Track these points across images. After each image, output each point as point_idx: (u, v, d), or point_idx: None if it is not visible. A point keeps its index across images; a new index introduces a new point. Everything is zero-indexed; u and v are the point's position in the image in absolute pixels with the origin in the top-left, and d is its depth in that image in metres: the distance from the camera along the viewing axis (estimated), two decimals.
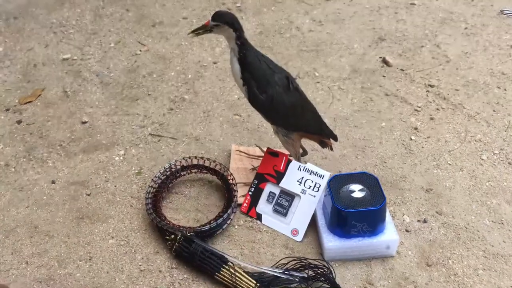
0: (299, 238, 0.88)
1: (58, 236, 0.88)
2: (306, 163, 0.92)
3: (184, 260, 0.83)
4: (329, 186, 0.85)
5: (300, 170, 0.91)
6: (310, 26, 1.48)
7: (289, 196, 0.91)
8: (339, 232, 0.83)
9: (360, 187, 0.84)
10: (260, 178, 0.93)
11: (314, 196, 0.89)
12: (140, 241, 0.87)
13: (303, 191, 0.90)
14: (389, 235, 0.84)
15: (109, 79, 1.28)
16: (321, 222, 0.87)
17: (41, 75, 1.30)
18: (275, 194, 0.92)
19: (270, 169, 0.93)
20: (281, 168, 0.92)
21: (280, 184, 0.92)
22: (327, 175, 0.90)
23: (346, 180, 0.86)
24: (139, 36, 1.44)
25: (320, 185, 0.89)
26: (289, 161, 0.93)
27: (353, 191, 0.84)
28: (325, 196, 0.88)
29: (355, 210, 0.81)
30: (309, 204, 0.89)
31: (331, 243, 0.83)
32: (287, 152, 0.95)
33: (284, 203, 0.91)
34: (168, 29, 1.47)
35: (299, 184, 0.90)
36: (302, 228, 0.88)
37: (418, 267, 0.83)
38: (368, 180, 0.86)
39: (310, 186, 0.90)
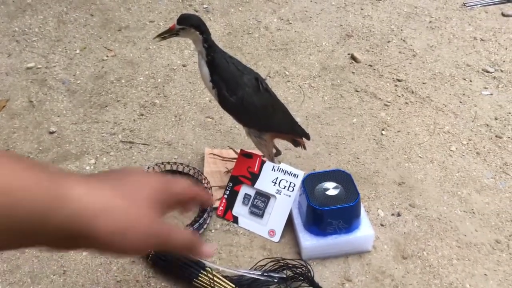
0: (276, 238, 0.88)
1: (30, 251, 0.86)
2: (280, 163, 0.92)
3: (161, 269, 0.82)
4: (303, 185, 0.85)
5: (274, 171, 0.91)
6: (278, 25, 1.48)
7: (265, 197, 0.91)
8: (316, 230, 0.84)
9: (334, 184, 0.85)
10: (235, 181, 0.93)
11: (290, 196, 0.89)
12: None
13: (278, 191, 0.90)
14: (365, 230, 0.84)
15: (76, 86, 1.25)
16: (297, 221, 0.87)
17: (5, 86, 1.26)
18: (251, 196, 0.92)
19: (244, 171, 0.93)
20: (255, 169, 0.92)
21: (255, 186, 0.91)
22: (301, 174, 0.90)
23: (320, 178, 0.86)
24: (105, 41, 1.41)
25: (294, 185, 0.89)
26: (263, 162, 0.92)
27: (328, 189, 0.84)
28: (300, 195, 0.88)
29: (330, 208, 0.81)
30: (284, 204, 0.89)
31: (308, 241, 0.83)
32: (260, 153, 0.95)
33: (260, 204, 0.91)
34: (134, 33, 1.44)
35: (274, 185, 0.90)
36: (279, 228, 0.88)
37: (394, 260, 0.85)
38: (342, 177, 0.86)
39: (285, 186, 0.90)
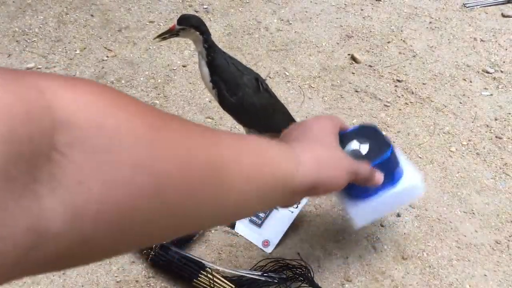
0: (269, 249, 0.87)
1: None
2: None
3: (161, 269, 0.82)
4: None
5: None
6: (278, 26, 1.48)
7: None
8: (360, 194, 0.73)
9: (362, 141, 0.73)
10: None
11: (292, 212, 0.89)
12: None
13: None
14: (410, 177, 0.74)
15: None
16: (336, 195, 0.77)
17: None
18: None
19: None
20: None
21: None
22: None
23: (344, 139, 0.72)
24: (105, 41, 1.41)
25: (299, 203, 0.88)
26: None
27: (357, 148, 0.72)
28: None
29: None
30: (286, 218, 0.88)
31: (357, 207, 0.73)
32: None
33: (261, 214, 0.90)
34: (134, 34, 1.44)
35: None
36: (274, 240, 0.87)
37: (394, 261, 0.85)
38: (367, 132, 0.74)
39: None
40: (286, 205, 0.50)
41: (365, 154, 0.71)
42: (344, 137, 0.72)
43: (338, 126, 0.65)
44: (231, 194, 0.36)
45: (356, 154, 0.71)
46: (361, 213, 0.74)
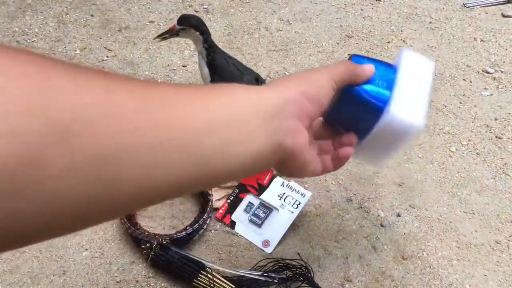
0: (269, 250, 0.87)
1: (30, 251, 0.86)
2: (290, 181, 0.93)
3: (161, 269, 0.82)
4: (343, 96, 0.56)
5: (283, 186, 0.92)
6: (278, 26, 1.48)
7: (267, 209, 0.91)
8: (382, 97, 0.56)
9: None
10: (242, 188, 0.93)
11: (292, 212, 0.89)
12: (115, 252, 0.86)
13: (282, 206, 0.90)
14: (405, 56, 0.61)
15: None
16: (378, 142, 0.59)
17: None
18: (254, 205, 0.92)
19: (253, 181, 0.93)
20: (265, 182, 0.93)
21: (261, 196, 0.92)
22: (309, 194, 0.91)
23: None
24: (105, 41, 1.41)
25: (300, 203, 0.90)
26: (273, 176, 0.93)
27: None
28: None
29: (363, 87, 0.55)
30: (286, 218, 0.89)
31: (411, 113, 0.55)
32: None
33: (261, 214, 0.91)
34: (134, 34, 1.44)
35: (280, 199, 0.91)
36: (274, 240, 0.88)
37: (394, 261, 0.85)
38: None
39: (290, 202, 0.90)
40: (277, 138, 0.41)
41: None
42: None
43: None
44: (180, 127, 0.32)
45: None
46: (408, 109, 0.55)
